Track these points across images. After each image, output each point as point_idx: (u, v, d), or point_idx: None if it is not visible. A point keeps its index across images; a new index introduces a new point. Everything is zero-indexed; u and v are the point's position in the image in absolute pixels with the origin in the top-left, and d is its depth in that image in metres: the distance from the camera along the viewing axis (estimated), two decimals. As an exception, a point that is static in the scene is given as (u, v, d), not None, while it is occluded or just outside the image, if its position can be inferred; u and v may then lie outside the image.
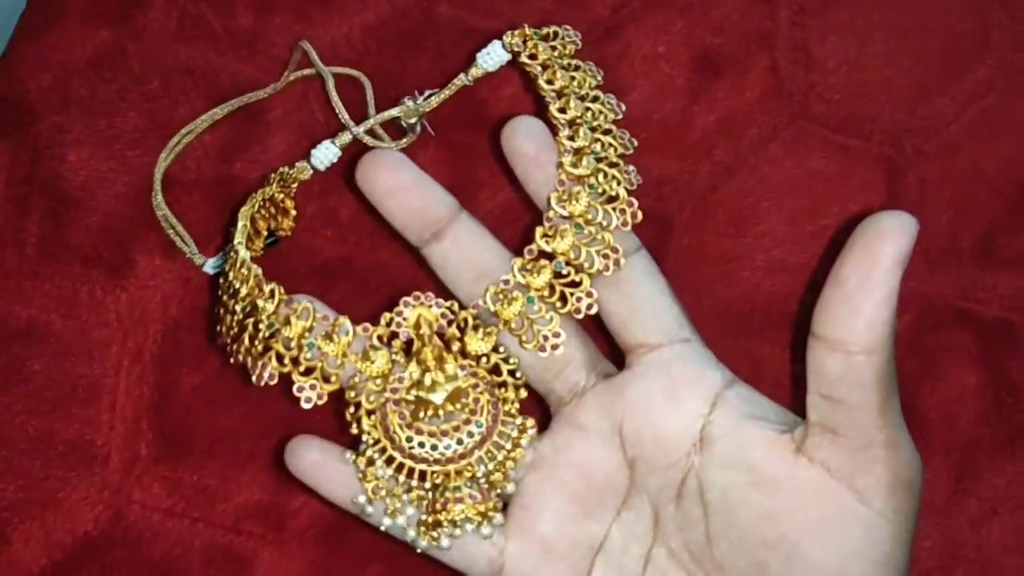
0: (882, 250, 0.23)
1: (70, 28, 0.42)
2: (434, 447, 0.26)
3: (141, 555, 0.35)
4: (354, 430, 0.26)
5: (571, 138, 0.28)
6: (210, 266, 0.38)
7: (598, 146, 0.29)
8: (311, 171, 0.31)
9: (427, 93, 0.32)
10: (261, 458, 0.37)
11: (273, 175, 0.30)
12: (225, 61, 0.42)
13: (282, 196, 0.31)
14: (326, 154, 0.31)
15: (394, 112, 0.31)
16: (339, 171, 0.41)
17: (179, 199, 0.39)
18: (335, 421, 0.35)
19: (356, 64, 0.42)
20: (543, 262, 0.26)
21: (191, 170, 0.40)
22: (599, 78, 0.31)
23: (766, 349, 0.41)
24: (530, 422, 0.28)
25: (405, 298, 0.27)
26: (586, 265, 0.26)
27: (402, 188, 0.28)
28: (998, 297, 0.43)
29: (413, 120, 0.31)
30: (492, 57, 0.31)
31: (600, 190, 0.28)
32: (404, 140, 0.33)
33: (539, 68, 0.29)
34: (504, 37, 0.30)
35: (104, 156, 0.40)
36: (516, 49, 0.30)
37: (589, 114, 0.29)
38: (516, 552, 0.27)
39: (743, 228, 0.43)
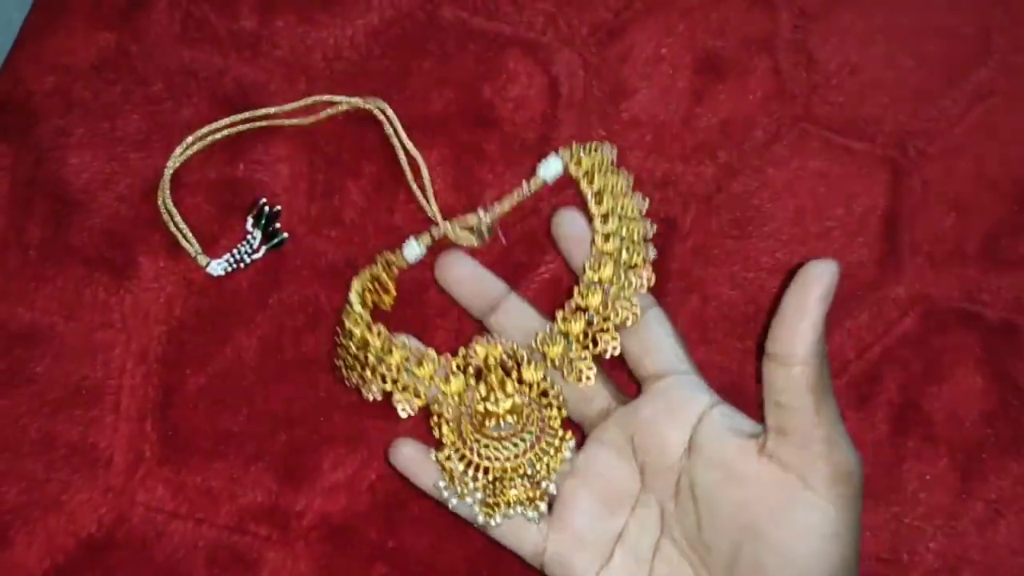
0: (812, 290, 0.30)
1: (74, 30, 0.42)
2: (496, 449, 0.33)
3: (144, 557, 0.36)
4: (436, 434, 0.34)
5: (604, 221, 0.36)
6: (215, 267, 0.39)
7: (624, 230, 0.36)
8: (406, 262, 0.38)
9: (494, 208, 0.39)
10: (266, 459, 0.37)
11: (379, 257, 0.38)
12: (228, 63, 0.43)
13: (386, 276, 0.38)
14: (413, 251, 0.38)
15: (469, 223, 0.38)
16: (343, 169, 0.41)
17: (183, 200, 0.40)
18: (334, 425, 0.36)
19: (359, 65, 0.43)
20: (579, 314, 0.34)
21: (195, 172, 0.41)
22: (630, 180, 0.38)
23: (771, 350, 0.42)
24: (569, 434, 0.34)
25: (477, 337, 0.34)
26: (612, 316, 0.34)
27: (467, 279, 0.37)
28: (1002, 299, 0.44)
29: (484, 229, 0.39)
30: (550, 168, 0.38)
31: (624, 261, 0.35)
32: (476, 242, 0.39)
33: (583, 174, 0.37)
34: (560, 151, 0.38)
35: (107, 158, 0.40)
36: (566, 161, 0.38)
37: (620, 207, 0.37)
38: (556, 540, 0.34)
39: (748, 229, 0.43)
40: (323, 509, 0.37)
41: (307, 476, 0.37)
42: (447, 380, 0.33)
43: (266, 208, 0.40)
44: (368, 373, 0.34)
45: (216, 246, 0.40)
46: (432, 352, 0.34)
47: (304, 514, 0.37)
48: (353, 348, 0.34)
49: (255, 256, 0.39)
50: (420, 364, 0.33)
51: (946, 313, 0.43)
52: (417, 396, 0.33)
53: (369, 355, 0.34)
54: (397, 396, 0.33)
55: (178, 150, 0.40)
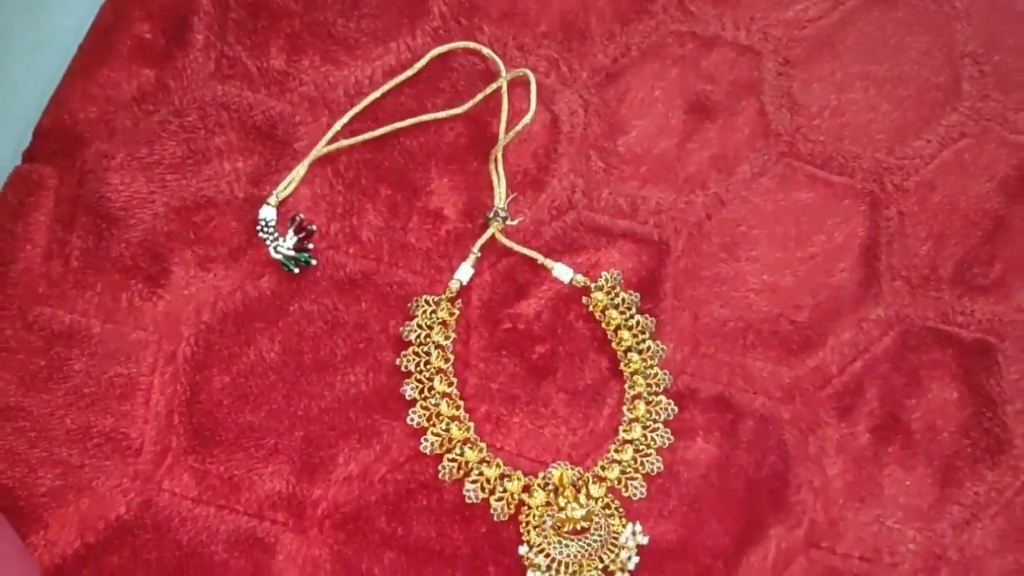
0: None
1: (118, 66, 0.49)
2: (573, 547, 0.42)
3: (169, 539, 0.40)
4: (525, 538, 0.42)
5: (626, 356, 0.46)
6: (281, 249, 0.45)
7: (645, 365, 0.46)
8: (459, 284, 0.46)
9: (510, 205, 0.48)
10: (284, 452, 0.41)
11: (443, 300, 0.45)
12: (258, 97, 0.49)
13: (450, 315, 0.45)
14: (466, 273, 0.46)
15: (492, 232, 0.47)
16: (361, 192, 0.47)
17: (213, 217, 0.45)
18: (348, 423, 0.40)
19: (378, 100, 0.49)
20: (627, 445, 0.44)
21: (225, 192, 0.46)
22: (637, 300, 0.47)
23: (759, 363, 0.46)
24: (639, 526, 0.43)
25: (552, 464, 0.43)
26: (652, 443, 0.45)
27: None
28: (976, 320, 0.49)
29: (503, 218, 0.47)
30: (562, 274, 0.47)
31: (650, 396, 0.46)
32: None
33: (600, 310, 0.46)
34: (592, 295, 0.47)
35: (145, 179, 0.46)
36: (585, 302, 0.47)
37: (637, 342, 0.46)
38: None
39: (736, 253, 0.49)
40: (337, 499, 0.41)
41: (322, 468, 0.41)
42: (531, 494, 0.42)
43: (303, 223, 0.45)
44: (465, 477, 0.43)
45: (243, 258, 0.45)
46: (519, 472, 0.43)
47: (319, 503, 0.41)
48: (455, 452, 0.43)
49: (282, 251, 0.44)
50: (510, 480, 0.43)
51: (923, 332, 0.48)
52: (508, 505, 0.42)
53: (471, 466, 0.43)
54: (494, 503, 0.42)
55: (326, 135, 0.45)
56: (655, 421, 0.45)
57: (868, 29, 0.56)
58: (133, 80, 0.49)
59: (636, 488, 0.43)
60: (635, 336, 0.46)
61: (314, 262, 0.45)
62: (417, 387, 0.43)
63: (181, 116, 0.48)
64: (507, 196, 0.48)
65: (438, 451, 0.42)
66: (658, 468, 0.44)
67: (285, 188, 0.46)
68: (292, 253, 0.44)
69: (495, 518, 0.42)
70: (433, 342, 0.44)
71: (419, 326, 0.44)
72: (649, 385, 0.45)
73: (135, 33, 0.50)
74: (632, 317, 0.46)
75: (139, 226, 0.45)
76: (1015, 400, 0.47)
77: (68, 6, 0.52)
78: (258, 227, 0.45)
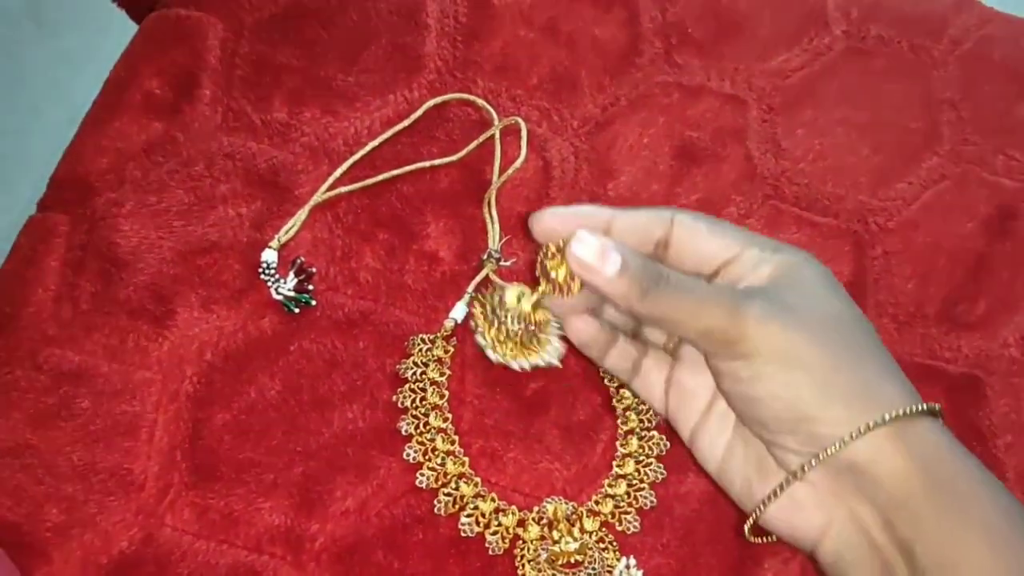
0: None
1: (129, 120, 0.51)
2: None
3: (170, 573, 0.40)
4: (520, 571, 0.43)
5: (618, 392, 0.47)
6: (282, 290, 0.46)
7: (637, 421, 0.47)
8: (454, 322, 0.47)
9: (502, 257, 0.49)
10: (283, 487, 0.42)
11: (438, 337, 0.47)
12: (261, 147, 0.51)
13: (446, 352, 0.47)
14: (460, 312, 0.47)
15: (486, 272, 0.49)
16: (359, 236, 0.48)
17: (217, 260, 0.47)
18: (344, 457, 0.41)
19: (376, 150, 0.51)
20: (621, 480, 0.45)
21: (229, 236, 0.48)
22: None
23: (749, 400, 0.47)
24: (632, 560, 0.44)
25: (546, 499, 0.44)
26: (644, 478, 0.46)
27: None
28: (963, 356, 0.50)
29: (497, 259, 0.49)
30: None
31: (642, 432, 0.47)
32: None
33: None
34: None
35: (153, 225, 0.48)
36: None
37: (631, 395, 0.47)
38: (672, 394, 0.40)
39: (724, 292, 0.50)
40: (334, 533, 0.42)
41: (320, 503, 0.42)
42: (526, 528, 0.43)
43: (303, 265, 0.47)
44: (460, 511, 0.44)
45: (245, 299, 0.46)
46: (514, 507, 0.44)
47: (317, 537, 0.42)
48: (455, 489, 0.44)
49: (283, 292, 0.46)
50: (505, 514, 0.44)
51: (911, 367, 0.49)
52: (503, 539, 0.43)
53: (466, 496, 0.44)
54: (489, 537, 0.43)
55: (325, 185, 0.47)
56: (648, 456, 0.46)
57: (848, 78, 0.58)
58: (143, 133, 0.51)
59: (630, 522, 0.44)
60: None
61: (314, 303, 0.47)
62: (413, 423, 0.44)
63: (188, 166, 0.50)
64: (500, 239, 0.49)
65: (434, 486, 0.43)
66: (651, 503, 0.44)
67: (287, 232, 0.48)
68: (293, 294, 0.46)
69: (490, 552, 0.42)
70: (429, 379, 0.45)
71: (415, 363, 0.46)
72: (642, 421, 0.46)
73: (145, 89, 0.52)
74: None
75: (146, 270, 0.47)
76: (1005, 434, 0.48)
77: (83, 66, 0.55)
78: (260, 270, 0.47)
